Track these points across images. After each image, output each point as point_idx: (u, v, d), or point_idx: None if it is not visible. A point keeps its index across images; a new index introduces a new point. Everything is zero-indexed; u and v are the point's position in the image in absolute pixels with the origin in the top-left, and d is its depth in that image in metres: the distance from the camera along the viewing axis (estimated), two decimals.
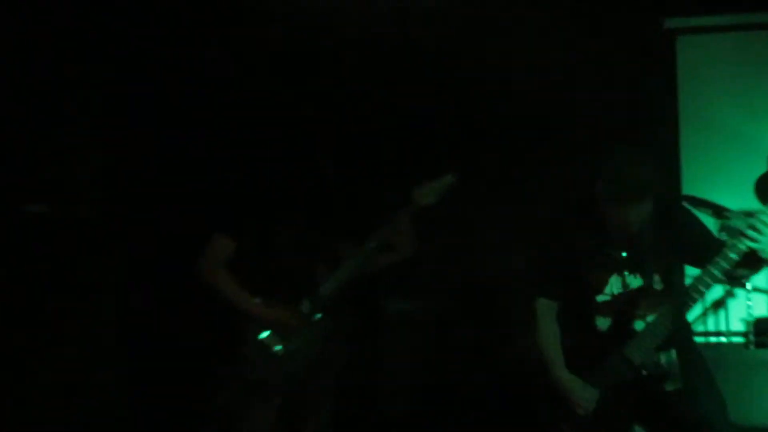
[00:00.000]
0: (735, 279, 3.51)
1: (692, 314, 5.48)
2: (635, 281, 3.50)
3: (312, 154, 3.89)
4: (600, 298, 3.51)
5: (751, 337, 5.17)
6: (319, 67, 5.01)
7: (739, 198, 5.06)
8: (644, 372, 3.42)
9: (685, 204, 4.32)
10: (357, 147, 4.96)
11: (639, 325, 3.47)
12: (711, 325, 5.64)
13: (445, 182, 3.88)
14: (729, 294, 5.54)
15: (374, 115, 5.14)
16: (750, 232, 3.29)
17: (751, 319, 5.25)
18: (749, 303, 5.27)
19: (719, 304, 5.57)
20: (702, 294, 3.39)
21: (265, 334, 3.80)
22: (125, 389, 4.85)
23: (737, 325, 5.46)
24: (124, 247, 4.91)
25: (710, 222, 5.08)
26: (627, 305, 3.48)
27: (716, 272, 3.34)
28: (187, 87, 4.98)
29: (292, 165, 3.86)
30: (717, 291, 5.59)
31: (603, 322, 3.52)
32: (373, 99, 5.14)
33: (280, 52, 5.00)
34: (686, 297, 3.40)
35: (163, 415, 4.80)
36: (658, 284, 3.50)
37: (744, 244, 3.30)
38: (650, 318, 3.46)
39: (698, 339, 5.50)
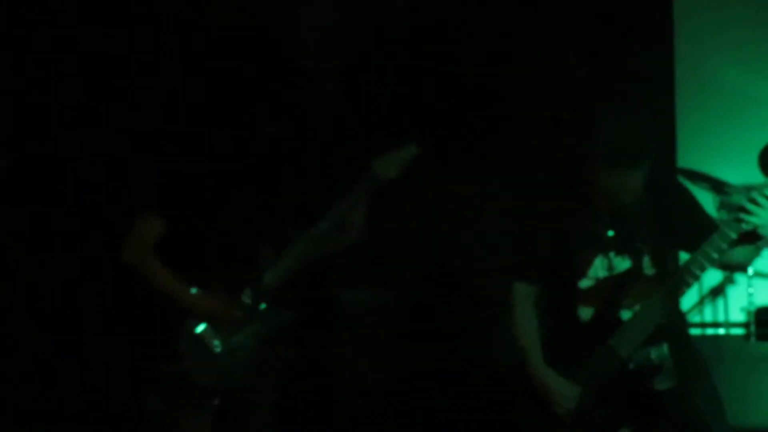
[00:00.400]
0: (734, 267, 3.43)
1: (687, 303, 5.42)
2: (622, 263, 3.43)
3: (251, 121, 3.81)
4: (583, 283, 3.44)
5: (752, 328, 5.10)
6: (264, 31, 4.86)
7: (741, 169, 4.97)
8: (631, 366, 3.36)
9: (681, 178, 4.25)
10: (306, 115, 4.83)
11: (626, 315, 3.40)
12: (709, 316, 5.61)
13: (407, 154, 3.79)
14: (729, 280, 5.50)
15: (327, 80, 5.00)
16: (750, 206, 3.26)
17: (752, 308, 5.22)
18: (750, 290, 5.20)
19: (718, 292, 5.55)
20: (696, 277, 3.34)
21: (201, 328, 3.70)
22: (42, 394, 4.74)
23: (737, 315, 5.38)
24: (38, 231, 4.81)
25: (709, 198, 5.02)
26: (613, 291, 3.41)
27: (712, 253, 3.30)
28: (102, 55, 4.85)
29: (228, 133, 3.77)
30: (715, 277, 5.53)
31: (586, 312, 3.45)
32: (326, 62, 5.01)
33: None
34: (679, 281, 3.34)
35: (87, 419, 4.72)
36: (648, 268, 3.44)
37: (743, 221, 3.27)
38: (639, 306, 3.39)
39: (694, 331, 5.46)
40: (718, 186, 4.97)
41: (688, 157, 5.38)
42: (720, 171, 5.00)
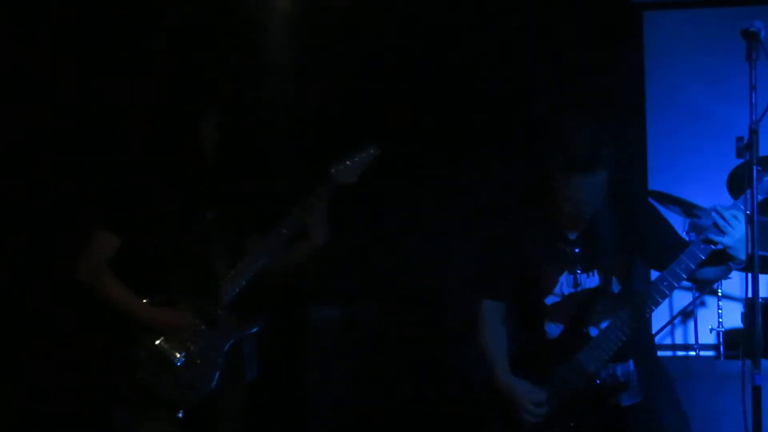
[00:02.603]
0: (702, 282, 3.40)
1: (657, 324, 5.39)
2: (589, 281, 3.42)
3: (199, 129, 3.65)
4: (550, 299, 3.43)
5: (722, 350, 5.06)
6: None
7: (710, 192, 4.95)
8: (598, 381, 3.35)
9: (652, 200, 4.23)
10: (261, 120, 4.78)
11: (593, 331, 3.40)
12: (679, 338, 5.54)
13: (367, 156, 3.72)
14: (699, 303, 5.45)
15: (286, 82, 4.94)
16: (719, 226, 3.23)
17: (722, 330, 5.18)
18: (720, 312, 5.16)
19: (688, 315, 5.48)
20: (665, 296, 3.34)
21: (159, 340, 3.60)
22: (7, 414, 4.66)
23: (707, 337, 5.33)
24: None
25: (679, 220, 5.01)
26: (580, 308, 3.40)
27: (681, 273, 3.29)
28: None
29: (182, 141, 3.64)
30: (686, 299, 5.49)
31: (554, 329, 3.44)
32: (284, 63, 4.95)
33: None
34: (647, 299, 3.34)
35: None
36: (615, 286, 3.43)
37: (712, 242, 3.25)
38: (605, 323, 3.38)
39: (665, 353, 5.43)
40: (688, 208, 4.98)
41: (658, 180, 5.36)
42: (690, 193, 5.02)
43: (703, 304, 5.54)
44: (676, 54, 5.53)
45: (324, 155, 3.73)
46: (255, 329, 3.73)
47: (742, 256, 3.24)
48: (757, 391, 2.97)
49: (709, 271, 3.37)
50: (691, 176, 5.40)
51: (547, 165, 3.30)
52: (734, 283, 5.18)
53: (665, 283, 3.30)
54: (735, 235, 3.21)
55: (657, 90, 5.47)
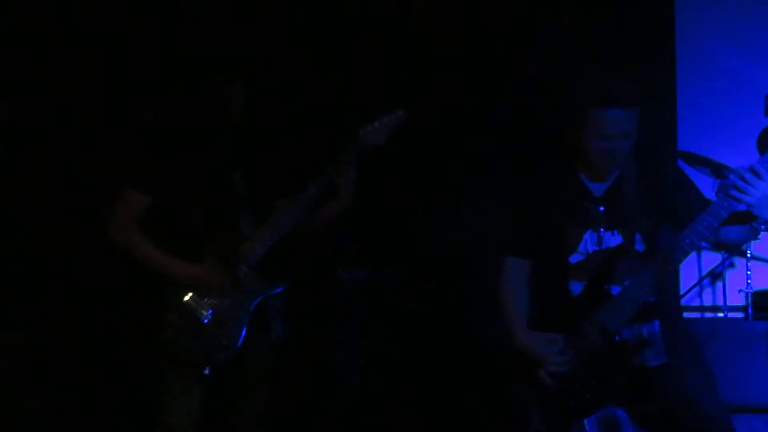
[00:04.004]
0: (728, 245, 3.36)
1: (685, 286, 5.36)
2: (613, 239, 3.40)
3: (226, 91, 3.64)
4: (574, 258, 3.41)
5: (750, 311, 5.04)
6: None
7: (738, 151, 4.90)
8: (617, 338, 3.33)
9: (680, 161, 4.20)
10: (291, 82, 4.75)
11: (615, 290, 3.38)
12: (708, 299, 5.53)
13: (395, 119, 3.70)
14: (728, 264, 5.41)
15: (314, 46, 4.90)
16: (741, 183, 3.19)
17: (750, 291, 5.16)
18: (749, 273, 5.13)
19: (717, 276, 5.44)
20: (686, 254, 3.29)
21: (188, 296, 3.61)
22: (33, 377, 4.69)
23: (736, 299, 5.31)
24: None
25: (708, 182, 4.97)
26: (603, 266, 3.38)
27: (702, 230, 3.24)
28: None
29: (205, 104, 3.63)
30: (714, 260, 5.46)
31: (577, 287, 3.42)
32: (314, 28, 4.92)
33: None
34: (669, 257, 3.31)
35: (72, 395, 4.68)
36: (639, 245, 3.40)
37: (735, 199, 3.20)
38: (628, 281, 3.36)
39: (694, 314, 5.41)
40: (717, 168, 4.93)
41: (687, 140, 5.31)
42: (719, 154, 4.97)
43: (732, 265, 5.50)
44: (706, 14, 5.47)
45: (352, 117, 3.72)
46: (281, 289, 3.74)
47: (766, 215, 3.20)
48: None
49: (733, 232, 3.33)
50: (721, 136, 5.35)
51: (576, 107, 3.31)
52: (764, 244, 5.16)
53: (687, 241, 3.25)
54: (757, 193, 3.17)
55: (687, 50, 5.40)
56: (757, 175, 3.17)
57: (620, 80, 3.29)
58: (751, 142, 4.78)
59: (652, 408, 3.37)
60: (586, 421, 3.34)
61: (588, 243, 3.39)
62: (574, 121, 3.33)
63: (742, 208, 3.22)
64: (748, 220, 3.26)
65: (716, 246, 3.48)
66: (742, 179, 3.18)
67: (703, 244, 5.43)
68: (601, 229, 3.39)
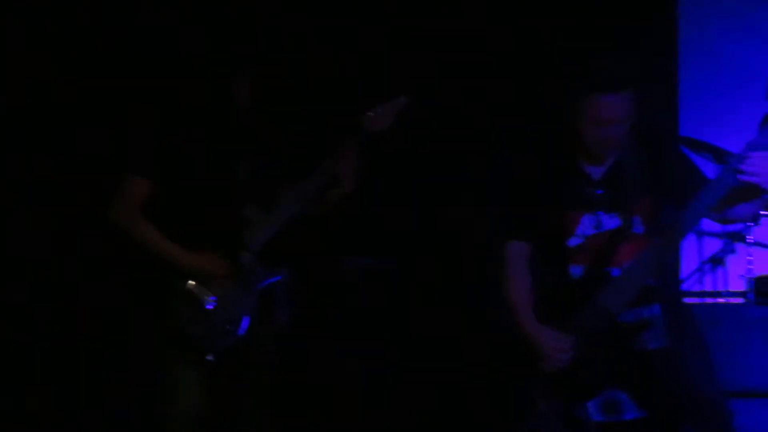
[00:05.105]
0: (736, 220, 3.33)
1: (686, 272, 5.38)
2: (611, 222, 3.38)
3: (233, 79, 3.65)
4: (573, 241, 3.40)
5: (751, 296, 5.03)
6: None
7: (741, 137, 4.88)
8: (621, 323, 3.31)
9: (683, 147, 4.19)
10: (294, 68, 4.72)
11: (615, 272, 3.36)
12: (709, 285, 5.53)
13: (397, 105, 3.72)
14: (728, 250, 5.42)
15: (316, 31, 4.90)
16: (747, 159, 3.14)
17: (751, 276, 5.13)
18: (750, 258, 5.09)
19: (718, 261, 5.44)
20: (684, 233, 3.29)
21: (191, 283, 3.63)
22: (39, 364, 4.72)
23: (737, 284, 5.32)
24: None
25: (711, 168, 4.97)
26: (602, 249, 3.36)
27: (701, 209, 3.21)
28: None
29: (211, 91, 3.65)
30: (715, 246, 5.46)
31: (577, 271, 3.40)
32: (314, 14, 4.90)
33: None
34: (668, 238, 3.29)
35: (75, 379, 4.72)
36: (639, 227, 3.39)
37: (734, 177, 3.15)
38: (628, 263, 3.34)
39: (694, 299, 5.42)
40: (719, 155, 4.93)
41: (689, 126, 5.32)
42: (722, 140, 4.98)
43: (733, 251, 5.51)
44: (707, 3, 5.50)
45: (356, 104, 3.73)
46: (284, 276, 3.75)
47: None
48: None
49: (740, 208, 3.28)
50: (724, 123, 5.35)
51: (573, 90, 3.29)
52: (765, 230, 5.17)
53: (686, 220, 3.24)
54: (760, 173, 3.11)
55: (689, 35, 5.40)
56: (753, 158, 3.13)
57: (615, 65, 3.25)
58: (753, 126, 4.78)
59: (653, 390, 3.35)
60: (588, 404, 3.33)
61: (586, 226, 3.38)
62: (571, 106, 3.31)
63: (736, 184, 3.16)
64: (758, 194, 3.21)
65: (723, 221, 3.43)
66: (747, 157, 3.14)
67: (707, 228, 5.51)
68: (600, 212, 3.37)
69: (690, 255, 5.54)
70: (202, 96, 3.67)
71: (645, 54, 4.75)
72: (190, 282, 3.64)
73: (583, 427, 3.33)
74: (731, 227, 5.28)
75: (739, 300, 5.32)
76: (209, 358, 3.62)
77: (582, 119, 3.29)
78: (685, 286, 5.41)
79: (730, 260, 5.47)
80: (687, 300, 5.26)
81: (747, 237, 5.18)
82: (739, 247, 5.44)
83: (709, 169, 4.94)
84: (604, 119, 3.26)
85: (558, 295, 3.42)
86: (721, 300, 5.40)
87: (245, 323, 3.65)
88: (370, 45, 5.00)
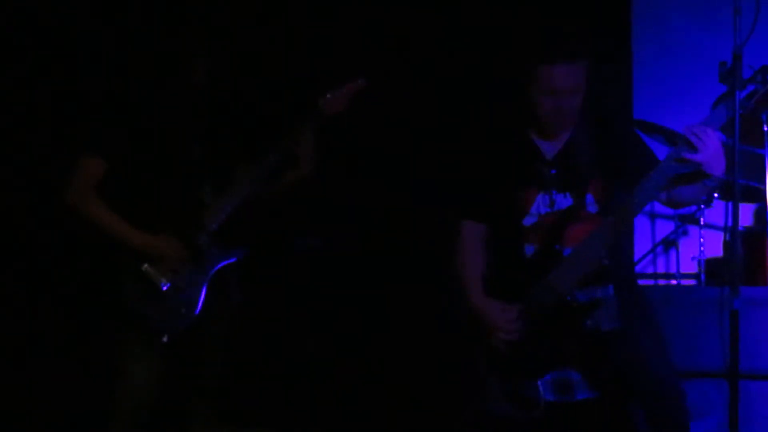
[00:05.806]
0: (680, 203, 3.38)
1: (639, 254, 5.42)
2: (564, 201, 3.40)
3: (189, 55, 3.62)
4: (527, 220, 3.43)
5: (703, 278, 5.09)
6: None
7: (693, 118, 4.92)
8: (568, 298, 3.31)
9: (637, 129, 4.21)
10: (248, 50, 4.71)
11: (567, 251, 3.38)
12: (661, 267, 5.59)
13: (354, 87, 3.71)
14: (681, 232, 5.46)
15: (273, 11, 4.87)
16: (693, 139, 3.18)
17: (703, 258, 5.20)
18: (701, 240, 5.15)
19: (670, 244, 5.50)
20: (634, 213, 3.32)
21: (146, 265, 3.60)
22: None
23: (689, 266, 5.38)
24: None
25: (663, 149, 5.01)
26: (555, 227, 3.38)
27: (651, 189, 3.25)
28: None
29: (168, 75, 3.61)
30: (668, 228, 5.52)
31: (531, 249, 3.43)
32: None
33: None
34: (619, 218, 3.30)
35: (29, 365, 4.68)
36: (592, 207, 3.41)
37: (684, 159, 3.19)
38: (579, 243, 3.35)
39: (647, 281, 5.47)
40: (671, 136, 4.98)
41: (643, 110, 5.35)
42: (674, 122, 5.01)
43: (685, 233, 5.57)
44: None
45: (311, 86, 3.71)
46: (239, 257, 3.74)
47: (716, 172, 3.19)
48: (734, 315, 3.02)
49: (685, 191, 3.33)
50: (676, 105, 5.39)
51: (524, 62, 3.30)
52: (716, 212, 5.22)
53: (636, 201, 3.26)
54: (708, 150, 3.16)
55: (643, 19, 5.43)
56: (707, 134, 3.17)
57: (568, 35, 3.27)
58: (706, 109, 4.82)
59: (605, 371, 3.38)
60: (539, 382, 3.35)
61: (540, 205, 3.40)
62: (523, 77, 3.32)
63: (688, 170, 3.21)
64: (699, 178, 3.25)
65: (669, 205, 3.47)
66: (694, 134, 3.17)
67: (660, 210, 5.57)
68: (553, 191, 3.39)
69: (643, 237, 5.59)
70: (157, 75, 3.63)
71: (598, 30, 4.76)
72: (145, 263, 3.60)
73: (534, 407, 3.35)
74: (683, 210, 5.34)
75: (692, 282, 5.37)
76: (164, 339, 3.60)
77: (535, 90, 3.30)
78: (638, 268, 5.45)
79: (683, 242, 5.53)
80: (640, 282, 5.31)
81: (700, 219, 5.23)
82: (692, 229, 5.50)
83: (661, 150, 5.00)
84: (557, 89, 3.27)
85: (511, 273, 3.44)
86: (673, 282, 5.45)
87: (200, 305, 3.62)
88: (324, 27, 4.98)
